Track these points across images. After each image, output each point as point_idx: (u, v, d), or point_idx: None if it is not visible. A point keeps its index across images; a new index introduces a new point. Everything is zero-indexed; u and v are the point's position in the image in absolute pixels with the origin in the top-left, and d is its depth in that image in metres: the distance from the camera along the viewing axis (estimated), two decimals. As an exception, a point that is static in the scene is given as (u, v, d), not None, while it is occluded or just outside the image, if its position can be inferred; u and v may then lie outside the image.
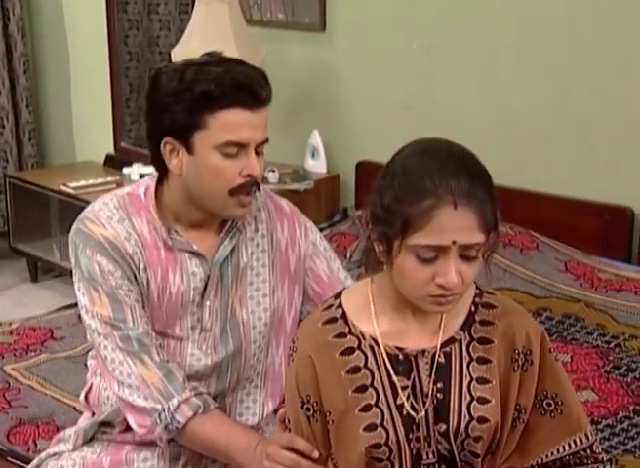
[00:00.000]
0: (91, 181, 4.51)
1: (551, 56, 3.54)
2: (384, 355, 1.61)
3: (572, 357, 2.77)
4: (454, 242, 1.49)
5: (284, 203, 2.09)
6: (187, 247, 1.94)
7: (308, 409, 1.63)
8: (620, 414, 2.47)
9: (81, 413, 2.26)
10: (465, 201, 1.48)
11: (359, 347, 1.62)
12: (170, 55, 4.15)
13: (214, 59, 1.87)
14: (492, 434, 1.60)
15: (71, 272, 4.93)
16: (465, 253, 1.51)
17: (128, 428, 1.98)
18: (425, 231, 1.48)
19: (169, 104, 1.84)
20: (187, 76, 1.82)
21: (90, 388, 2.08)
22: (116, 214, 1.92)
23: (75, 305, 3.35)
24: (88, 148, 5.18)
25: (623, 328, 2.94)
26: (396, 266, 1.54)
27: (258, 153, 1.88)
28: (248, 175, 1.86)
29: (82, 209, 4.74)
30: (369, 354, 1.62)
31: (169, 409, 1.84)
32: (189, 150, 1.85)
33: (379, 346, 1.62)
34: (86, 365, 2.80)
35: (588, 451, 1.65)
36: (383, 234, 1.55)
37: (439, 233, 1.48)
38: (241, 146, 1.84)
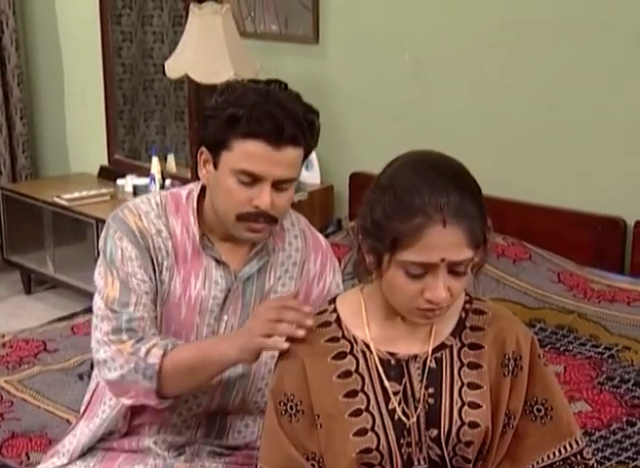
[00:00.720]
0: (85, 193, 4.52)
1: (542, 67, 3.55)
2: (376, 360, 1.63)
3: (565, 368, 2.77)
4: (442, 260, 1.51)
5: (321, 237, 2.11)
6: (215, 255, 1.96)
7: (291, 408, 1.63)
8: (614, 426, 2.47)
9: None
10: (455, 219, 1.50)
11: (351, 352, 1.64)
12: (164, 66, 4.16)
13: (263, 87, 1.88)
14: (482, 439, 1.62)
15: (64, 284, 4.90)
16: (454, 269, 1.53)
17: (126, 434, 2.01)
18: (415, 249, 1.50)
19: (209, 117, 1.89)
20: (231, 96, 1.86)
21: (95, 388, 2.09)
22: (155, 211, 1.97)
23: (68, 317, 3.39)
24: (82, 160, 5.19)
25: (616, 339, 2.94)
26: (386, 279, 1.57)
27: (280, 189, 1.88)
28: (256, 206, 1.87)
29: (76, 220, 4.73)
30: (360, 359, 1.63)
31: (140, 357, 1.86)
32: (215, 165, 1.89)
33: (370, 351, 1.63)
34: (80, 377, 2.86)
35: (579, 457, 1.66)
36: (373, 247, 1.57)
37: (428, 251, 1.50)
38: (256, 178, 1.85)
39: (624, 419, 2.50)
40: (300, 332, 1.66)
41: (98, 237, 4.27)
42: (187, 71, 3.84)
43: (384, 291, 1.59)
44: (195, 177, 4.21)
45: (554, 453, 1.64)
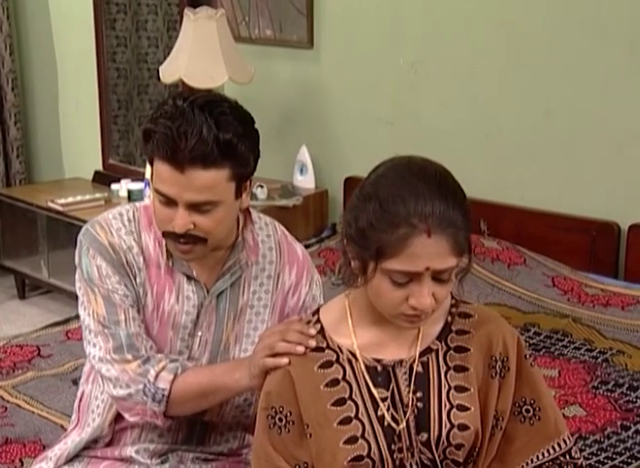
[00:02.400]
0: (79, 198, 4.50)
1: (536, 72, 3.56)
2: (362, 367, 1.63)
3: (559, 372, 2.77)
4: (427, 268, 1.51)
5: (299, 248, 2.06)
6: (186, 270, 1.93)
7: (280, 420, 1.62)
8: (608, 430, 2.47)
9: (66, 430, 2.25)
10: (439, 229, 1.50)
11: (337, 360, 1.64)
12: (158, 71, 4.15)
13: (181, 105, 1.77)
14: (472, 441, 1.62)
15: (59, 289, 4.90)
16: (438, 277, 1.54)
17: (110, 443, 2.00)
18: (400, 258, 1.51)
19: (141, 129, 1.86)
20: (154, 112, 1.81)
21: (82, 395, 2.08)
22: (126, 227, 1.93)
23: (62, 323, 3.38)
24: (76, 165, 5.18)
25: (611, 343, 2.95)
26: (371, 286, 1.57)
27: (202, 211, 1.80)
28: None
29: (70, 225, 4.72)
30: (347, 367, 1.63)
31: (149, 381, 1.85)
32: (152, 180, 1.85)
33: (356, 359, 1.63)
34: (74, 382, 2.84)
35: (567, 457, 1.66)
36: (358, 254, 1.57)
37: (413, 260, 1.51)
38: (170, 199, 1.79)
39: (619, 423, 2.50)
40: (300, 349, 1.65)
41: (92, 242, 4.30)
42: (182, 76, 3.83)
43: (370, 296, 1.60)
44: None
45: (543, 454, 1.65)
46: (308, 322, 1.70)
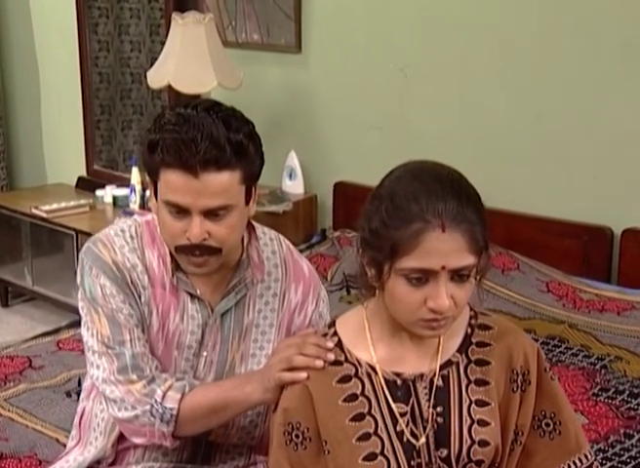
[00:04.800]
0: (63, 204, 4.46)
1: (527, 76, 3.56)
2: (382, 381, 1.60)
3: (559, 379, 2.73)
4: (443, 267, 1.48)
5: (305, 264, 2.02)
6: (190, 289, 1.88)
7: (297, 436, 1.59)
8: (612, 438, 2.45)
9: (64, 445, 2.21)
10: (454, 224, 1.47)
11: (356, 375, 1.61)
12: (141, 75, 4.11)
13: (185, 112, 1.74)
14: (492, 457, 1.60)
15: (43, 296, 4.85)
16: (456, 276, 1.50)
17: (113, 463, 1.96)
18: (414, 255, 1.47)
19: (140, 144, 1.81)
20: (156, 123, 1.76)
21: (83, 412, 2.04)
22: (129, 244, 1.88)
23: (52, 333, 3.33)
24: (59, 171, 5.14)
25: (608, 349, 2.94)
26: (387, 290, 1.54)
27: (216, 218, 1.76)
28: (189, 239, 1.77)
29: (55, 232, 4.68)
30: (366, 381, 1.60)
31: (157, 401, 1.81)
32: (156, 195, 1.81)
33: (376, 373, 1.60)
34: (68, 394, 2.80)
35: None
36: (373, 258, 1.55)
37: (428, 257, 1.47)
38: (183, 209, 1.75)
39: (622, 431, 2.48)
40: (319, 363, 1.61)
41: (78, 248, 4.27)
42: (170, 81, 3.79)
43: (387, 304, 1.56)
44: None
45: None
46: (324, 334, 1.67)
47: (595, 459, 1.67)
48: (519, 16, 3.55)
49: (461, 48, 3.69)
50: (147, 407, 1.81)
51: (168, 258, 1.86)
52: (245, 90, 4.00)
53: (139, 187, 4.40)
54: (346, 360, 1.62)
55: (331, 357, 1.61)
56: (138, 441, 1.87)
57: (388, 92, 3.91)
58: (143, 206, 4.38)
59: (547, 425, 1.63)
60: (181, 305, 1.89)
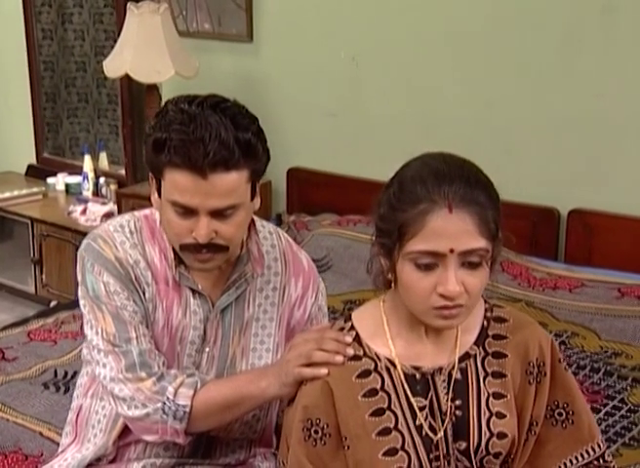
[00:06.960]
0: (16, 192, 4.47)
1: (475, 64, 3.65)
2: (401, 376, 1.59)
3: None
4: (452, 250, 1.45)
5: (304, 258, 2.01)
6: (191, 284, 1.87)
7: (316, 432, 1.57)
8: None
9: (48, 439, 2.22)
10: (461, 204, 1.45)
11: (375, 369, 1.60)
12: (85, 64, 4.13)
13: (192, 110, 1.71)
14: (509, 448, 1.61)
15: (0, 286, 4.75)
16: (467, 261, 1.47)
17: (113, 460, 1.95)
18: (421, 236, 1.46)
19: (144, 142, 1.79)
20: (160, 120, 1.73)
21: (80, 409, 2.01)
22: (130, 240, 1.87)
23: (21, 323, 3.32)
24: (7, 159, 5.09)
25: (564, 325, 3.02)
26: (399, 278, 1.52)
27: (224, 217, 1.74)
28: (195, 238, 1.75)
29: (7, 220, 4.67)
30: (385, 376, 1.59)
31: (169, 399, 1.79)
32: (159, 192, 1.79)
33: (395, 367, 1.59)
34: (45, 386, 2.75)
35: (601, 461, 1.66)
36: (384, 245, 1.53)
37: (435, 238, 1.45)
38: (190, 209, 1.73)
39: (588, 407, 2.58)
40: (339, 358, 1.59)
41: (33, 236, 4.28)
42: (128, 71, 3.81)
43: (401, 295, 1.54)
44: (131, 175, 4.15)
45: (576, 458, 1.64)
46: (341, 329, 1.65)
47: (607, 447, 1.68)
48: (467, 4, 3.62)
49: (412, 36, 3.76)
50: (159, 404, 1.79)
51: (170, 254, 1.85)
52: (198, 79, 4.03)
53: (91, 175, 4.43)
54: (365, 354, 1.60)
55: (350, 352, 1.59)
56: (149, 438, 1.85)
57: (340, 79, 3.98)
58: (97, 193, 4.41)
59: (560, 414, 1.64)
60: (184, 300, 1.87)
